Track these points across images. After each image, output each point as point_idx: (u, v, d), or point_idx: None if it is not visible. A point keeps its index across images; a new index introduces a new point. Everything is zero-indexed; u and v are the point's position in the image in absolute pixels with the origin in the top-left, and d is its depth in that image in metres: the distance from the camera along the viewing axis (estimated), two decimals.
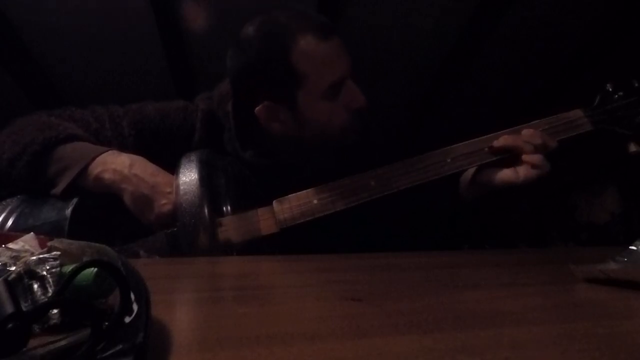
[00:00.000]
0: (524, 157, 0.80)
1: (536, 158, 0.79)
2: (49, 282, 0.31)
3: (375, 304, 0.42)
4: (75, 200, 0.80)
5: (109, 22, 1.64)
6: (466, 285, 0.54)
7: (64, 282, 0.27)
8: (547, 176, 0.80)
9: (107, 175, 0.79)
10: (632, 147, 0.84)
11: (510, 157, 0.81)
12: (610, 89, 0.86)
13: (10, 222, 0.79)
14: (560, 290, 0.51)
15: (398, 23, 1.74)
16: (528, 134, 0.81)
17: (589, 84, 0.90)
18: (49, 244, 0.35)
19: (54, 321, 0.28)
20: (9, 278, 0.30)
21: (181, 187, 0.75)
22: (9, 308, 0.24)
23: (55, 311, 0.28)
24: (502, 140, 0.82)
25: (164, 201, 0.77)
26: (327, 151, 0.88)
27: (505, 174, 0.82)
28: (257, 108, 0.84)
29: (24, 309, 0.24)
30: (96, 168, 0.80)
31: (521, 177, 0.80)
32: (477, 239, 1.01)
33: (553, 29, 1.81)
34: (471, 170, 0.88)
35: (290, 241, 0.79)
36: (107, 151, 0.82)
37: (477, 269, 0.67)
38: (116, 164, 0.80)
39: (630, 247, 0.47)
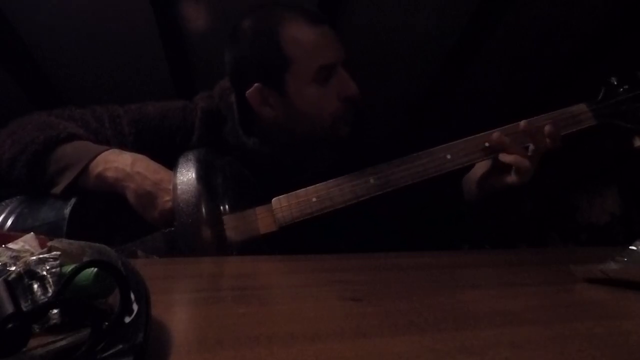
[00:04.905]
0: (501, 156, 0.80)
1: (512, 158, 0.79)
2: (49, 282, 0.31)
3: (375, 304, 0.42)
4: (73, 201, 0.80)
5: (109, 22, 1.64)
6: (466, 285, 0.54)
7: (64, 282, 0.27)
8: (532, 178, 0.79)
9: (109, 174, 0.79)
10: (637, 142, 0.83)
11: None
12: (615, 82, 0.84)
13: (9, 223, 0.79)
14: (560, 290, 0.51)
15: (399, 22, 1.74)
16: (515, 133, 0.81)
17: (593, 77, 0.89)
18: (49, 244, 0.35)
19: (54, 321, 0.28)
20: (9, 278, 0.30)
21: (178, 187, 0.75)
22: (9, 308, 0.24)
23: (55, 311, 0.28)
24: (495, 136, 0.81)
25: (167, 198, 0.77)
26: (322, 146, 0.88)
27: (503, 177, 0.82)
28: (248, 92, 0.85)
29: (24, 309, 0.24)
30: (98, 167, 0.80)
31: (516, 179, 0.80)
32: (477, 239, 1.01)
33: (555, 25, 1.81)
34: (474, 172, 0.88)
35: (289, 240, 0.79)
36: (108, 150, 0.82)
37: (477, 269, 0.67)
38: (118, 162, 0.80)
39: (630, 247, 0.47)
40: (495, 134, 0.81)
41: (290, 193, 0.80)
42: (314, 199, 0.79)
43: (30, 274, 0.31)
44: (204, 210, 0.74)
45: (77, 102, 0.98)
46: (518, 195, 0.87)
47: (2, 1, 1.52)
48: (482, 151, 0.82)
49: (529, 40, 1.86)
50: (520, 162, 0.79)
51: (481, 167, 0.86)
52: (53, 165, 0.82)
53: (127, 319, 0.26)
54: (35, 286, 0.31)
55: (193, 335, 0.33)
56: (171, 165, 0.80)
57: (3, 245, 0.35)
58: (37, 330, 0.27)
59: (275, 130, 0.88)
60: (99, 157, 0.81)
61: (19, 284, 0.30)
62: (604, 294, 0.46)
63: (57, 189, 0.80)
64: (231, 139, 0.90)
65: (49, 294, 0.30)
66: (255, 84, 0.85)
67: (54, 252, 0.34)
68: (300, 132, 0.87)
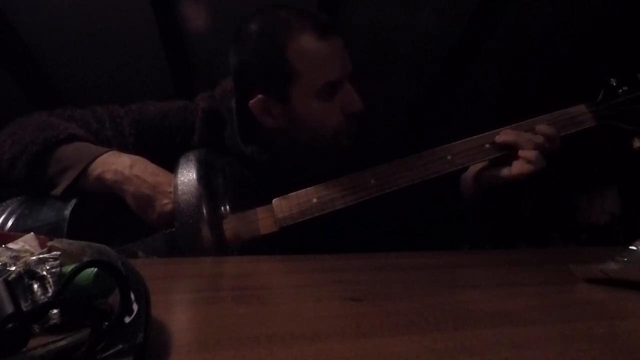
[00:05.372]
0: (520, 152, 0.79)
1: (531, 154, 0.78)
2: (49, 282, 0.31)
3: (375, 304, 0.42)
4: (74, 201, 0.80)
5: (109, 22, 1.64)
6: (466, 285, 0.54)
7: (64, 282, 0.27)
8: (541, 173, 0.79)
9: (108, 176, 0.79)
10: (637, 143, 0.83)
11: (509, 154, 0.81)
12: (615, 84, 0.84)
13: (9, 224, 0.79)
14: (560, 290, 0.51)
15: (399, 22, 1.74)
16: (532, 131, 0.81)
17: (593, 77, 0.89)
18: (49, 244, 0.35)
19: (54, 321, 0.28)
20: (9, 278, 0.30)
21: (179, 187, 0.75)
22: (9, 308, 0.24)
23: (55, 311, 0.28)
24: (504, 135, 0.81)
25: (165, 201, 0.77)
26: (323, 154, 0.88)
27: (499, 171, 0.81)
28: (251, 101, 0.85)
29: (24, 309, 0.24)
30: (97, 169, 0.80)
31: (513, 172, 0.79)
32: (477, 239, 1.01)
33: (555, 25, 1.81)
34: (471, 169, 0.88)
35: (289, 240, 0.79)
36: (107, 152, 0.82)
37: (477, 269, 0.67)
38: (117, 165, 0.80)
39: (630, 247, 0.47)
40: (510, 131, 0.81)
41: (291, 194, 0.80)
42: (315, 200, 0.79)
43: (30, 274, 0.31)
44: (204, 210, 0.74)
45: (77, 102, 0.98)
46: (517, 193, 0.87)
47: (2, 1, 1.52)
48: (484, 152, 0.82)
49: (529, 40, 1.86)
50: (539, 159, 0.78)
51: (478, 163, 0.86)
52: (53, 166, 0.81)
53: (127, 319, 0.26)
54: (35, 286, 0.31)
55: (193, 335, 0.33)
56: (172, 165, 0.80)
57: (3, 245, 0.35)
58: (37, 330, 0.27)
59: (276, 136, 0.88)
60: (98, 159, 0.81)
61: (19, 284, 0.30)
62: (604, 294, 0.46)
63: (57, 191, 0.80)
64: (230, 143, 0.90)
65: (49, 294, 0.30)
66: (259, 96, 0.84)
67: (54, 252, 0.34)
68: (300, 141, 0.87)
